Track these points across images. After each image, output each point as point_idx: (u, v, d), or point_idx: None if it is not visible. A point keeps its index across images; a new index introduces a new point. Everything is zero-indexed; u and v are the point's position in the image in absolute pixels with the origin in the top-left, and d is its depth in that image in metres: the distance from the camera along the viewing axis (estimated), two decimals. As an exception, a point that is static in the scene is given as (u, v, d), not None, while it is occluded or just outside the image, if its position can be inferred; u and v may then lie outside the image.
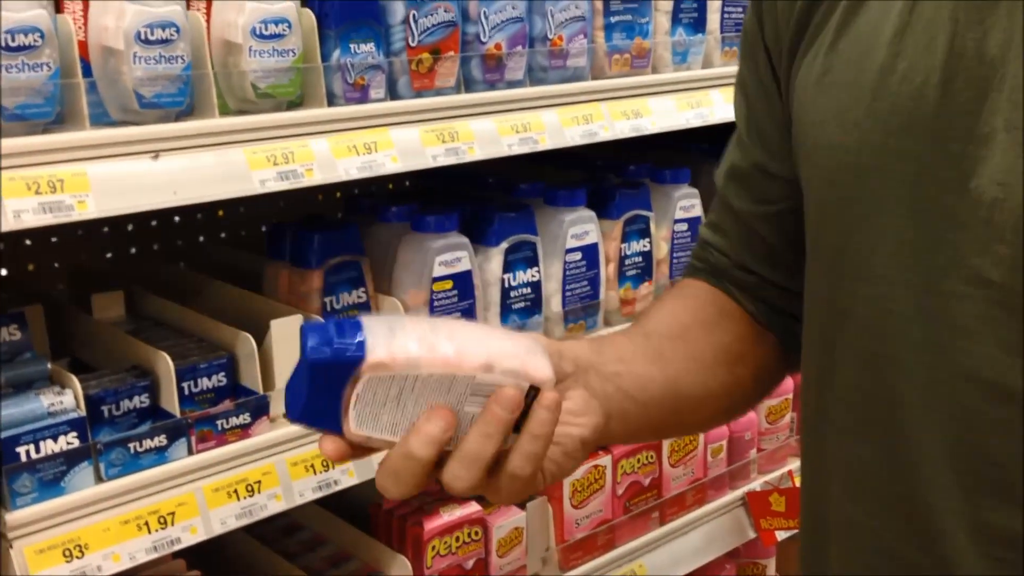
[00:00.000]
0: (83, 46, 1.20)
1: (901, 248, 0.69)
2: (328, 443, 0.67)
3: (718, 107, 1.83)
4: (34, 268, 1.70)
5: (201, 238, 1.90)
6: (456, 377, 0.65)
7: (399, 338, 0.64)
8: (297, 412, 0.65)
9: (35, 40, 1.10)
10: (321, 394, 0.64)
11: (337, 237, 1.51)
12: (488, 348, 0.66)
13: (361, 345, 0.64)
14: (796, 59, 0.80)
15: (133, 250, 1.83)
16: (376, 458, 1.44)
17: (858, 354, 0.73)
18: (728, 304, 0.91)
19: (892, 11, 0.71)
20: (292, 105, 1.36)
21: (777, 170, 0.86)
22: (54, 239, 1.71)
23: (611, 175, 1.93)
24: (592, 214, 1.74)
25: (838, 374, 0.75)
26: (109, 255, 1.80)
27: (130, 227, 1.80)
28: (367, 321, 0.65)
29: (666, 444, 1.88)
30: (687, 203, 1.91)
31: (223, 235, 1.92)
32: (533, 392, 0.67)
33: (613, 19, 1.70)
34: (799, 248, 0.83)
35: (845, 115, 0.72)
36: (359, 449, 0.69)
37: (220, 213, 1.90)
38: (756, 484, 2.07)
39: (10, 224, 1.07)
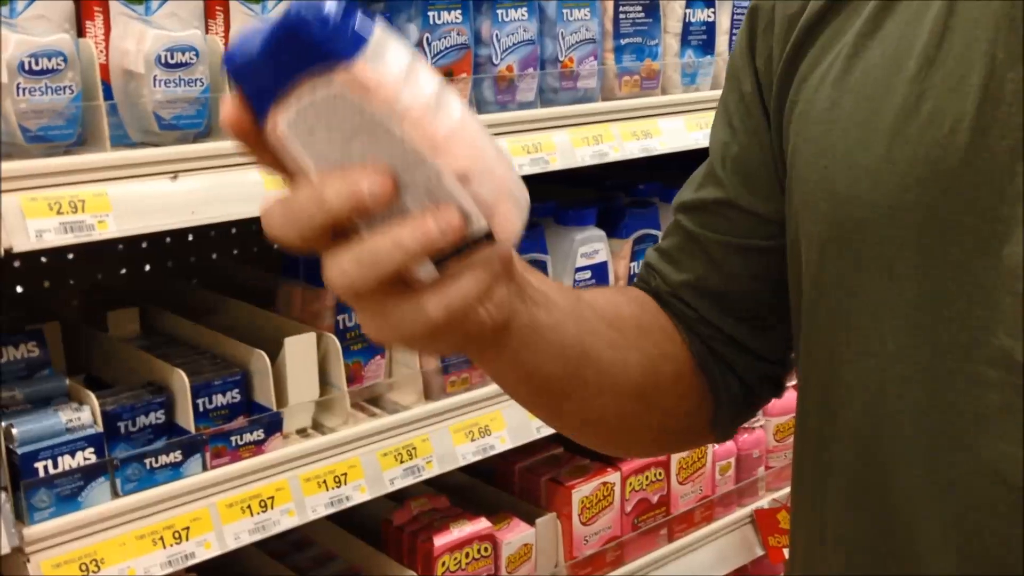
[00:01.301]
0: (104, 69, 1.22)
1: (912, 320, 0.60)
2: (234, 111, 0.51)
3: (727, 128, 1.85)
4: (50, 285, 1.72)
5: (215, 255, 1.92)
6: (424, 162, 0.51)
7: (401, 72, 0.50)
8: (237, 62, 0.50)
9: (58, 64, 1.12)
10: (275, 64, 0.50)
11: (350, 256, 1.52)
12: (479, 158, 0.52)
13: (358, 46, 0.49)
14: (793, 88, 0.70)
15: (148, 267, 1.85)
16: (388, 474, 1.47)
17: (857, 434, 0.64)
18: (671, 327, 0.80)
19: (915, 43, 0.62)
20: (307, 126, 1.38)
21: (758, 208, 0.75)
22: (70, 256, 1.73)
23: (621, 194, 1.95)
24: (602, 233, 1.76)
25: (835, 452, 0.67)
26: (124, 272, 1.82)
27: (144, 245, 1.82)
28: (382, 30, 0.50)
29: (675, 462, 1.89)
30: (696, 222, 1.92)
31: (236, 252, 1.94)
32: (483, 240, 0.53)
33: (623, 41, 1.72)
34: (760, 296, 0.76)
35: (855, 160, 0.63)
36: (256, 144, 0.52)
37: (233, 231, 1.92)
38: (764, 502, 2.08)
39: (32, 243, 1.09)
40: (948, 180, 0.58)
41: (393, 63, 0.50)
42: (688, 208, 0.81)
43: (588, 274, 1.73)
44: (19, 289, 1.68)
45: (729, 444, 2.00)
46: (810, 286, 0.68)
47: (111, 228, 1.15)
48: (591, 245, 1.74)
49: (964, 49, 0.59)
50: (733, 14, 1.89)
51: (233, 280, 1.77)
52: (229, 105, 0.51)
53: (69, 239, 1.12)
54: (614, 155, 1.69)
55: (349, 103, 0.50)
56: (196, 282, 1.83)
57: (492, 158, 0.53)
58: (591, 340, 0.71)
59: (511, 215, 0.53)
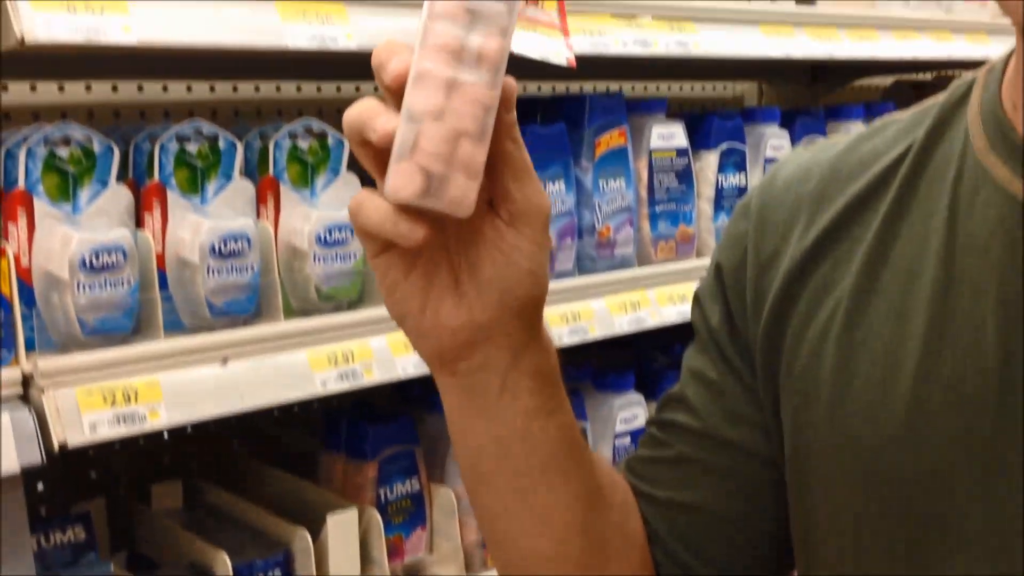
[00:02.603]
0: (160, 257, 1.26)
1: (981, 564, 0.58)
2: None
3: (762, 288, 1.87)
4: (94, 453, 1.73)
5: (256, 416, 1.93)
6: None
7: (474, 9, 0.54)
8: None
9: (118, 259, 1.16)
10: None
11: (391, 429, 1.53)
12: (429, 114, 0.54)
13: None
14: (787, 344, 0.68)
15: (189, 429, 1.86)
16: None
17: None
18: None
19: (918, 298, 0.61)
20: (352, 304, 1.41)
21: (735, 438, 0.72)
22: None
23: (658, 354, 1.96)
24: (640, 398, 1.76)
25: None
26: (166, 436, 1.83)
27: (187, 408, 1.84)
28: None
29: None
30: (734, 382, 1.92)
31: (276, 413, 1.95)
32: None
33: (658, 208, 1.76)
34: (724, 531, 0.72)
35: (878, 428, 0.61)
36: None
37: (274, 392, 1.94)
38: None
39: (86, 438, 1.11)
40: (982, 440, 0.57)
41: (480, 4, 0.53)
42: (662, 425, 0.77)
43: (628, 440, 1.73)
44: (64, 460, 1.69)
45: None
46: (842, 557, 0.65)
47: (162, 418, 1.17)
48: (630, 410, 1.74)
49: (972, 305, 0.59)
50: (765, 178, 1.93)
51: (275, 442, 1.78)
52: None
53: (122, 431, 1.14)
54: (651, 321, 1.70)
55: None
56: (236, 443, 1.84)
57: (444, 134, 0.53)
58: (558, 475, 0.67)
59: (400, 177, 0.54)
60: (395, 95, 0.54)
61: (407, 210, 0.55)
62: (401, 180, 0.54)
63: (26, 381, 1.11)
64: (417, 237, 0.55)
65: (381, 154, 0.55)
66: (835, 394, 0.64)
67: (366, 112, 0.55)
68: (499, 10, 0.53)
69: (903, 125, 0.69)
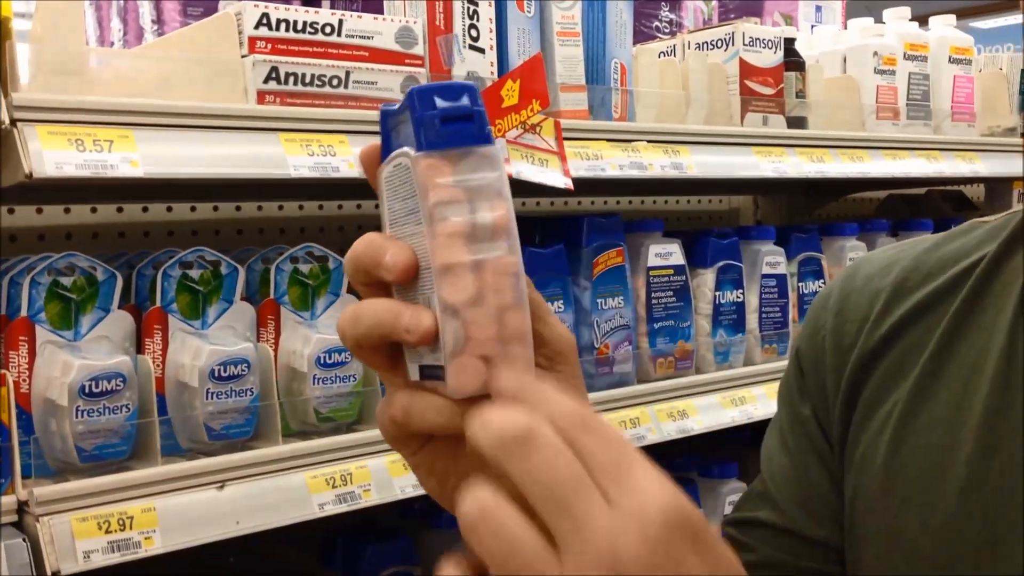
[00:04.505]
0: (160, 381, 1.27)
1: None
2: (370, 149, 0.56)
3: (760, 403, 1.87)
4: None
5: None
6: (430, 270, 0.52)
7: (472, 188, 0.52)
8: (385, 109, 0.56)
9: (117, 385, 1.17)
10: (402, 121, 0.54)
11: (390, 548, 1.52)
12: (475, 304, 0.51)
13: (452, 142, 0.52)
14: (854, 427, 0.70)
15: (185, 548, 1.84)
16: None
17: None
18: None
19: (979, 392, 0.64)
20: (350, 425, 1.41)
21: (818, 533, 0.73)
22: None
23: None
24: (641, 515, 1.74)
25: None
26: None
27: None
28: (494, 150, 0.53)
29: None
30: (736, 498, 1.91)
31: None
32: (441, 376, 0.52)
33: (656, 325, 1.77)
34: None
35: (926, 519, 0.63)
36: (374, 183, 0.57)
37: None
38: None
39: (79, 566, 1.10)
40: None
41: (472, 178, 0.52)
42: (743, 524, 0.77)
43: (628, 558, 1.71)
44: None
45: None
46: None
47: (157, 544, 1.16)
48: (631, 528, 1.72)
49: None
50: (761, 293, 1.94)
51: (271, 559, 1.75)
52: (370, 145, 0.56)
53: (115, 559, 1.13)
54: (652, 437, 1.70)
55: (416, 184, 0.52)
56: (232, 559, 1.82)
57: (489, 316, 0.52)
58: None
59: (465, 373, 0.52)
60: (394, 278, 0.53)
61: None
62: (465, 376, 0.52)
63: (21, 508, 1.11)
64: None
65: (394, 355, 0.54)
66: (888, 478, 0.66)
67: (386, 314, 0.52)
68: (492, 178, 0.53)
69: (989, 228, 0.72)
